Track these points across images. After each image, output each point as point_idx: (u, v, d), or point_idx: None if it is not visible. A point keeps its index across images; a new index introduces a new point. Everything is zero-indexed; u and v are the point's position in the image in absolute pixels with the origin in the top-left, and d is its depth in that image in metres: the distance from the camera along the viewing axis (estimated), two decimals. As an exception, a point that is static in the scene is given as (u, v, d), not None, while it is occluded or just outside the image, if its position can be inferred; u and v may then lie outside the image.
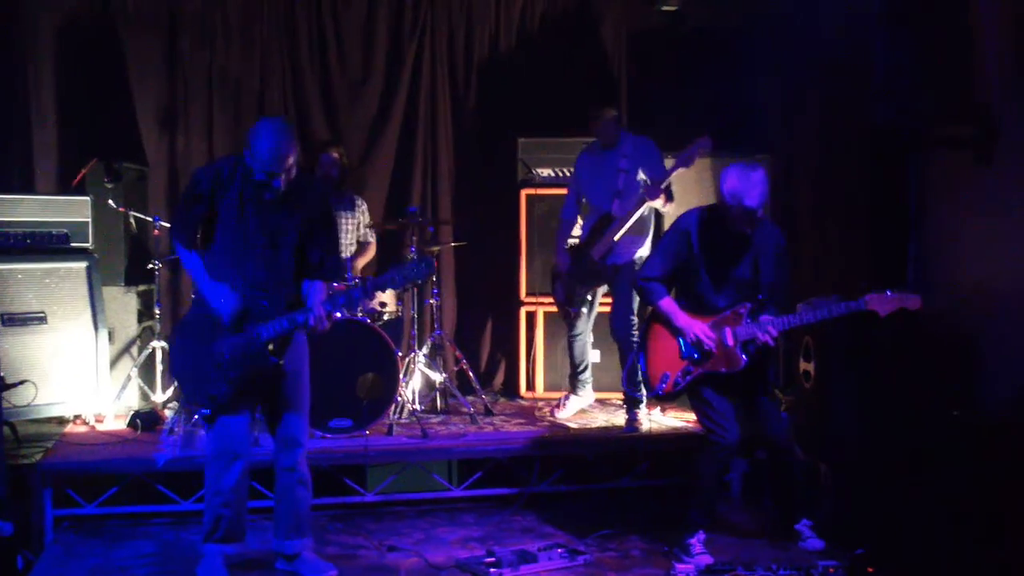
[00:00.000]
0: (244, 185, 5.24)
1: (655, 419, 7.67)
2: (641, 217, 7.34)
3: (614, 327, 7.50)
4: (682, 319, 5.84)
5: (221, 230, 5.28)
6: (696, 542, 5.86)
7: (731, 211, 5.64)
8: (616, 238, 7.31)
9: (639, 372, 7.28)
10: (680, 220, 5.96)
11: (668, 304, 5.90)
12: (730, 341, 5.73)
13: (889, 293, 5.38)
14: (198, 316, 5.35)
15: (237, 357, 5.23)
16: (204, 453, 5.54)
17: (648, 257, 6.04)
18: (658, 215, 7.70)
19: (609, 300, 7.74)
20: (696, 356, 5.84)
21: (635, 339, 7.39)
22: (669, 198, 7.28)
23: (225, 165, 5.32)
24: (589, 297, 7.66)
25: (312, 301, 5.28)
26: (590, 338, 7.95)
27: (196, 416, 7.26)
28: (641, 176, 7.41)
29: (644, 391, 7.40)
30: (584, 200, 7.72)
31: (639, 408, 7.42)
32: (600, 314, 7.96)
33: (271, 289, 5.29)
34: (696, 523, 5.90)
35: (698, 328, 5.80)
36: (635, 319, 7.43)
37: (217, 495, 5.35)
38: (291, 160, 5.15)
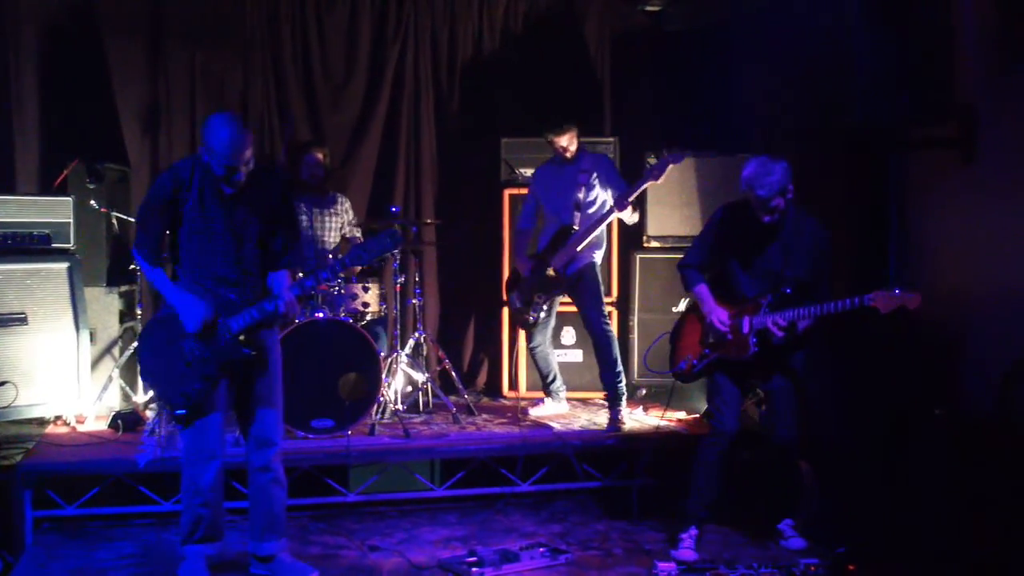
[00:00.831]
0: (204, 183, 5.25)
1: (637, 418, 7.69)
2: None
3: (589, 321, 7.57)
4: (707, 305, 5.97)
5: (186, 232, 5.29)
6: (687, 536, 5.91)
7: (749, 200, 5.74)
8: (579, 249, 7.39)
9: (618, 358, 7.39)
10: (718, 210, 6.11)
11: (701, 290, 6.03)
12: (745, 329, 5.82)
13: (897, 291, 5.39)
14: (166, 317, 5.33)
15: (209, 353, 5.23)
16: (180, 454, 5.50)
17: (690, 245, 6.14)
18: (623, 224, 7.76)
19: (568, 300, 7.81)
20: (712, 340, 5.94)
21: (608, 329, 7.46)
22: (634, 208, 7.42)
23: (183, 166, 5.33)
24: (546, 307, 7.69)
25: (279, 289, 5.30)
26: (551, 348, 8.00)
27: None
28: (598, 190, 7.51)
29: (624, 382, 7.47)
30: (542, 212, 7.81)
31: (621, 407, 7.45)
32: (574, 314, 7.99)
33: (239, 283, 5.31)
34: (690, 516, 5.96)
35: (717, 315, 5.91)
36: (605, 311, 7.58)
37: (196, 495, 5.33)
38: (248, 152, 5.15)
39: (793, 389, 6.03)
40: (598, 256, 7.62)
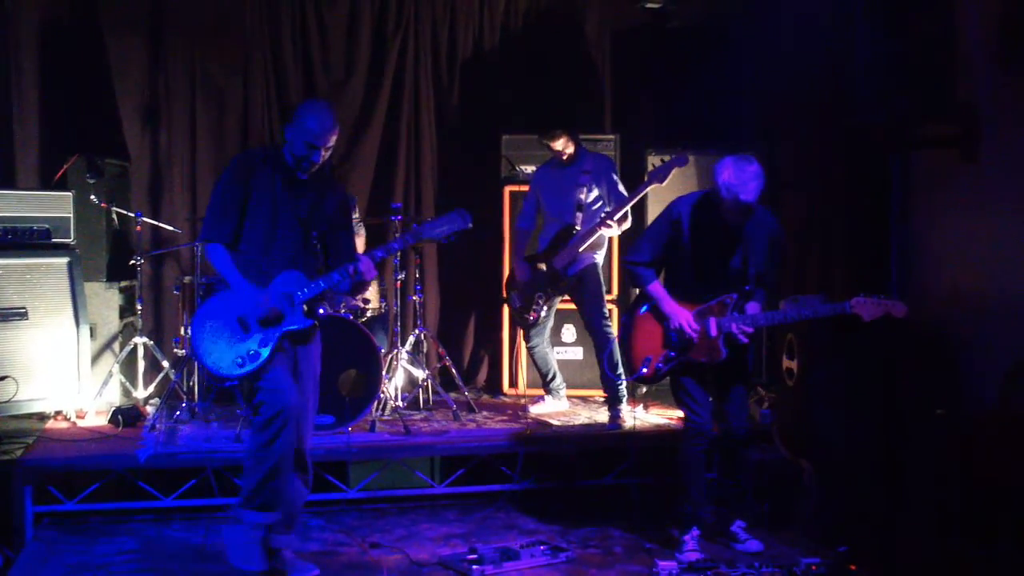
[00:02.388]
0: (276, 170, 5.30)
1: (638, 416, 7.68)
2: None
3: (590, 321, 7.57)
4: (668, 305, 5.85)
5: (252, 216, 5.29)
6: (690, 539, 5.88)
7: (726, 204, 5.63)
8: (581, 249, 7.39)
9: (619, 359, 7.37)
10: (672, 206, 5.94)
11: (656, 289, 5.91)
12: (713, 332, 5.73)
13: (876, 298, 5.38)
14: (225, 293, 5.30)
15: (272, 318, 5.20)
16: (255, 417, 5.28)
17: (636, 241, 6.07)
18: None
19: (566, 298, 7.81)
20: (678, 343, 5.85)
21: (609, 330, 7.46)
22: (623, 220, 7.41)
23: (254, 151, 5.47)
24: (546, 307, 7.70)
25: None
26: (550, 347, 8.00)
27: (178, 412, 7.28)
28: (599, 190, 7.53)
29: (624, 378, 7.45)
30: (543, 212, 7.80)
31: (621, 405, 7.45)
32: (574, 312, 7.98)
33: (304, 267, 5.32)
34: (691, 519, 5.93)
35: (683, 316, 5.79)
36: (606, 312, 7.57)
37: (263, 462, 5.20)
38: (333, 139, 5.29)
39: (747, 381, 6.09)
40: (600, 256, 7.61)
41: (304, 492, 5.51)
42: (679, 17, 9.43)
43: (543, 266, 7.54)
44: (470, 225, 5.42)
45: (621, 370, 7.52)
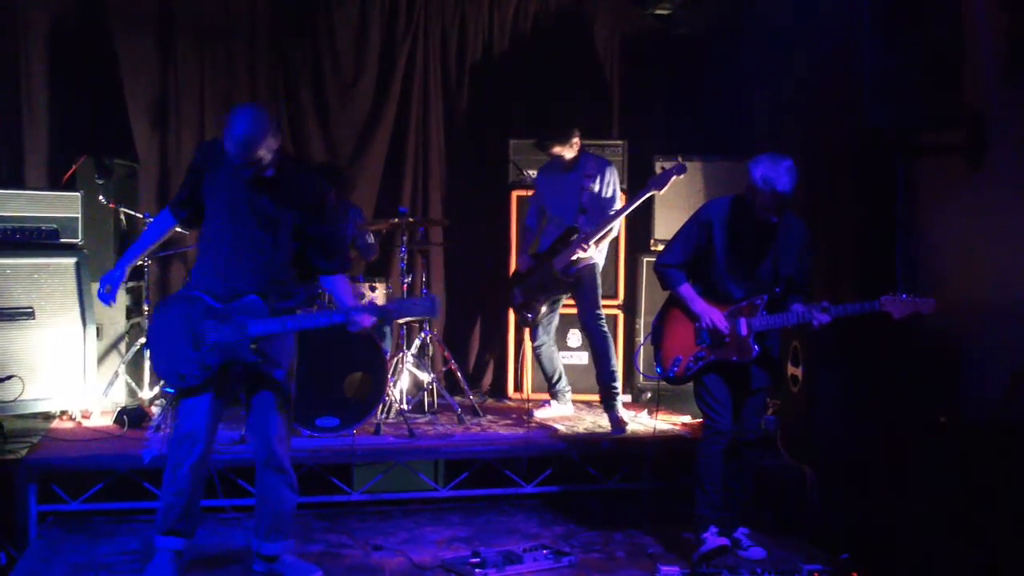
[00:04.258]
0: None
1: (642, 422, 7.68)
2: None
3: (583, 321, 7.61)
4: (699, 305, 5.87)
5: (210, 212, 5.17)
6: (709, 535, 5.85)
7: (761, 197, 5.59)
8: (574, 258, 7.42)
9: (615, 361, 7.38)
10: (703, 209, 5.96)
11: (687, 290, 5.93)
12: (744, 331, 5.74)
13: (904, 296, 5.40)
14: (192, 296, 5.16)
15: (219, 345, 5.05)
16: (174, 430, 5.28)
17: (667, 244, 6.07)
18: (629, 228, 7.74)
19: (571, 302, 7.83)
20: (710, 343, 5.87)
21: (603, 328, 7.53)
22: (598, 243, 7.49)
23: (213, 143, 5.19)
24: (546, 306, 7.73)
25: (345, 302, 5.18)
26: (555, 348, 8.01)
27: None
28: (597, 188, 7.57)
29: (619, 382, 7.46)
30: (546, 214, 7.84)
31: (618, 405, 7.46)
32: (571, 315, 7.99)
33: (260, 277, 5.11)
34: (706, 519, 5.91)
35: (714, 314, 5.81)
36: (600, 312, 7.59)
37: (173, 483, 5.16)
38: (261, 150, 4.91)
39: (768, 391, 6.09)
40: (600, 258, 7.63)
41: (289, 496, 5.37)
42: (688, 24, 9.45)
43: (543, 265, 7.55)
44: (437, 315, 5.59)
45: (615, 368, 7.55)
